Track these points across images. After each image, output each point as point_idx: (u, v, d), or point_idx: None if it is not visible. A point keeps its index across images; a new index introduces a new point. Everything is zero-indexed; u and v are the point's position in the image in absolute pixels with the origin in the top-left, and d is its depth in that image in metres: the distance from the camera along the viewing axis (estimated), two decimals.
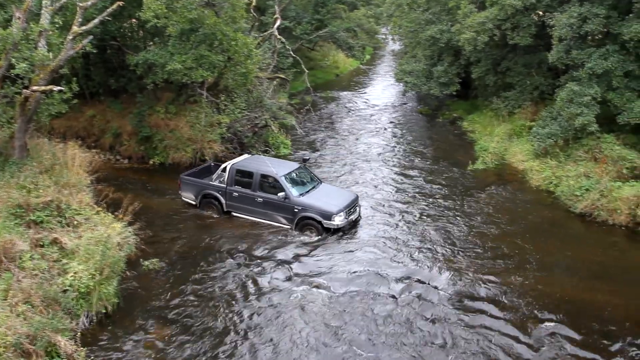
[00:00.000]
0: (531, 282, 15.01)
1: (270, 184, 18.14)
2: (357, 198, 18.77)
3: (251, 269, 15.72)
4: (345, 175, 23.13)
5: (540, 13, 25.40)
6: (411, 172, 23.66)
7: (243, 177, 18.56)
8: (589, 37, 22.43)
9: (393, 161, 25.25)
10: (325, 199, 17.91)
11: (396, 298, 14.26)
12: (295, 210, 17.60)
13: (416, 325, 13.20)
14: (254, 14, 32.52)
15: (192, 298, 14.28)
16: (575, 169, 20.84)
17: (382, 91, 40.92)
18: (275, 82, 30.11)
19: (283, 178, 17.95)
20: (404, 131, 30.50)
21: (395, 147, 27.49)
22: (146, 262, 15.53)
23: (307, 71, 34.93)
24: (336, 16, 40.68)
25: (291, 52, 33.88)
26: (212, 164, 20.84)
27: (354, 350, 12.35)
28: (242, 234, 17.73)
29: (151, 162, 23.37)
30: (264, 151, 24.48)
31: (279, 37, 32.70)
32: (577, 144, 22.02)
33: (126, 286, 14.41)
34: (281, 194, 17.56)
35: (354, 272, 15.43)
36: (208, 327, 13.15)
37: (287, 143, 26.56)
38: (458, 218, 18.96)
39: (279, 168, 18.46)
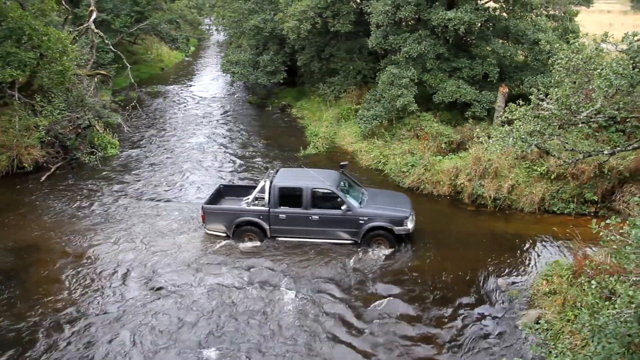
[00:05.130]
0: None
1: (324, 198, 16.14)
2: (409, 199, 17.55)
3: (82, 273, 14.86)
4: (179, 172, 22.57)
5: (358, 1, 26.63)
6: (245, 163, 23.67)
7: (290, 195, 16.15)
8: (404, 23, 23.99)
9: (226, 153, 25.06)
10: (386, 204, 16.53)
11: (245, 288, 14.31)
12: (361, 222, 15.87)
13: (254, 313, 13.29)
14: (67, 6, 30.46)
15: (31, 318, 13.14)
16: (401, 147, 22.17)
17: (210, 83, 40.44)
18: (96, 79, 28.47)
19: (339, 190, 16.15)
20: (234, 122, 30.38)
21: (227, 138, 27.30)
22: None
23: (129, 66, 33.41)
24: (157, 7, 39.40)
25: (111, 47, 32.18)
26: (222, 186, 18.38)
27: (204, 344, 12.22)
28: (64, 238, 16.78)
29: None
30: (90, 153, 22.94)
31: (96, 31, 30.86)
32: (400, 124, 23.49)
33: None
34: (344, 207, 15.84)
35: (203, 264, 15.30)
36: (49, 343, 12.21)
37: (115, 142, 25.25)
38: None
39: (328, 179, 16.44)
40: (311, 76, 31.19)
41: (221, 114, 31.90)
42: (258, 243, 16.35)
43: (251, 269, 15.04)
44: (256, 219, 16.31)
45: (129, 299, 13.77)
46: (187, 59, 49.72)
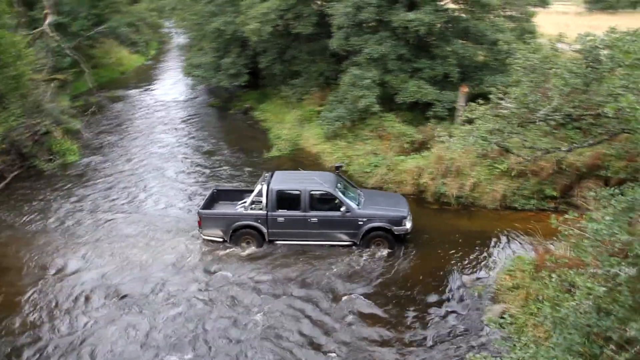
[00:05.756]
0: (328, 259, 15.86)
1: (322, 200, 16.06)
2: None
3: (44, 292, 14.60)
4: (141, 180, 22.19)
5: (320, 2, 26.68)
6: (208, 166, 23.50)
7: (288, 198, 16.03)
8: (365, 25, 24.10)
9: (189, 157, 24.85)
10: (384, 204, 16.55)
11: (208, 287, 14.40)
12: (360, 223, 15.86)
13: (227, 311, 13.35)
14: (20, 9, 29.87)
15: None
16: (364, 147, 22.32)
17: (172, 86, 39.98)
18: (53, 84, 27.94)
19: (337, 191, 16.07)
20: (197, 125, 30.15)
21: (190, 142, 27.08)
22: None
23: (88, 70, 32.96)
24: (116, 10, 38.68)
25: (69, 51, 31.66)
26: (215, 190, 18.04)
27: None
28: (23, 253, 16.42)
29: None
30: (49, 160, 22.43)
31: (52, 34, 30.36)
32: (363, 124, 23.63)
33: None
34: (343, 209, 15.86)
35: (168, 268, 15.25)
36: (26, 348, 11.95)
37: (74, 149, 24.74)
38: None
39: (326, 181, 16.33)
40: (273, 78, 31.12)
41: (183, 118, 31.60)
42: (255, 248, 16.21)
43: (224, 277, 14.94)
44: (254, 223, 16.14)
45: (94, 316, 13.40)
46: (147, 62, 49.17)
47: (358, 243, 16.11)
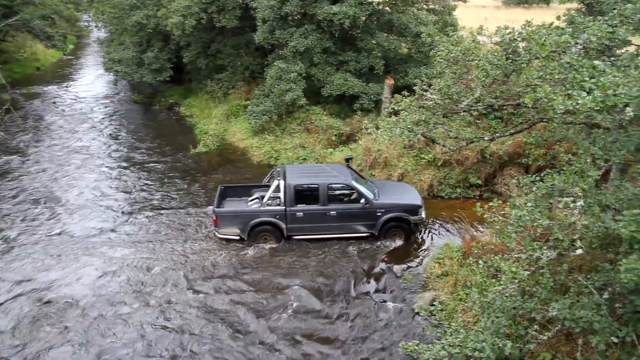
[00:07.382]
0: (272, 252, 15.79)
1: (341, 193, 15.93)
2: None
3: None
4: (63, 178, 21.40)
5: None
6: (132, 165, 22.85)
7: (306, 193, 15.78)
8: (290, 18, 24.04)
9: (112, 156, 24.11)
10: (398, 194, 16.56)
11: (141, 292, 13.96)
12: (378, 214, 15.80)
13: (161, 313, 13.06)
14: None
15: None
16: (292, 141, 22.34)
17: (92, 82, 38.72)
18: None
19: (355, 183, 15.88)
20: (120, 123, 29.30)
21: (113, 140, 26.27)
22: None
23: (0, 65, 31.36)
24: (28, 2, 36.91)
25: None
26: (222, 187, 17.26)
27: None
28: None
29: None
30: None
31: None
32: (290, 118, 23.64)
33: None
34: (362, 201, 15.68)
35: (98, 277, 14.62)
36: None
37: None
38: (188, 205, 18.83)
39: (342, 174, 16.19)
40: (198, 73, 30.65)
41: (105, 115, 30.61)
42: (273, 244, 16.02)
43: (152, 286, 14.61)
44: (273, 219, 15.92)
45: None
46: (65, 57, 47.31)
47: (376, 234, 16.14)
